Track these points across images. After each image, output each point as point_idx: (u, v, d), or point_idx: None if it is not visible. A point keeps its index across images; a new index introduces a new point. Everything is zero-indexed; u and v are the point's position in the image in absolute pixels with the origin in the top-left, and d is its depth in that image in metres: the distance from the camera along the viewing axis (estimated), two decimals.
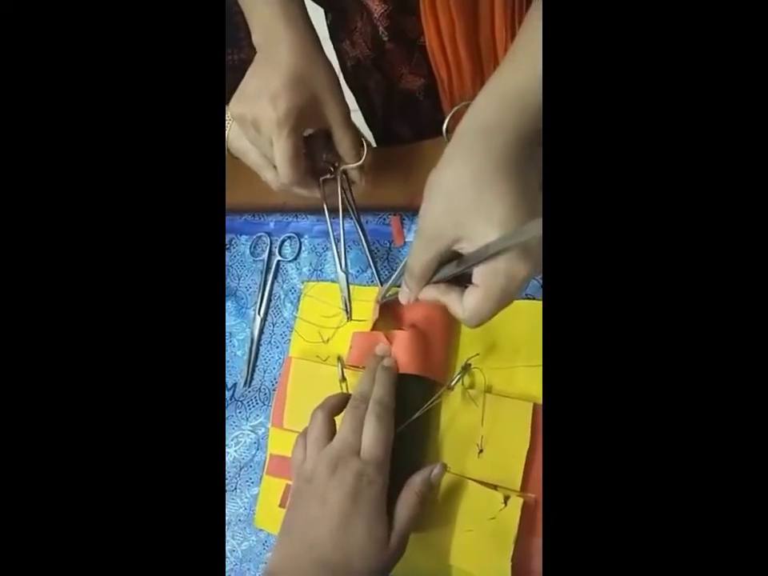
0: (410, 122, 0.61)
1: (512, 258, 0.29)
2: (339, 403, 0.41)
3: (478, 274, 0.31)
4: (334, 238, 0.46)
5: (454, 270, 0.32)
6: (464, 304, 0.32)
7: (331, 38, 0.58)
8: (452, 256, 0.33)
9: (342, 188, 0.45)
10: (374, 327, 0.46)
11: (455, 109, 0.41)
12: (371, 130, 0.70)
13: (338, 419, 0.41)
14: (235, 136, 0.44)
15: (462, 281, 0.33)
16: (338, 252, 0.46)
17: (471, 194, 0.30)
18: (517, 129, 0.30)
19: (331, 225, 0.46)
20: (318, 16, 0.57)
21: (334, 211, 0.46)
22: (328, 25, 0.56)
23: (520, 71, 0.31)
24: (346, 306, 0.47)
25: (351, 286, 0.50)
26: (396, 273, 0.41)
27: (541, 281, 0.44)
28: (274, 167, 0.44)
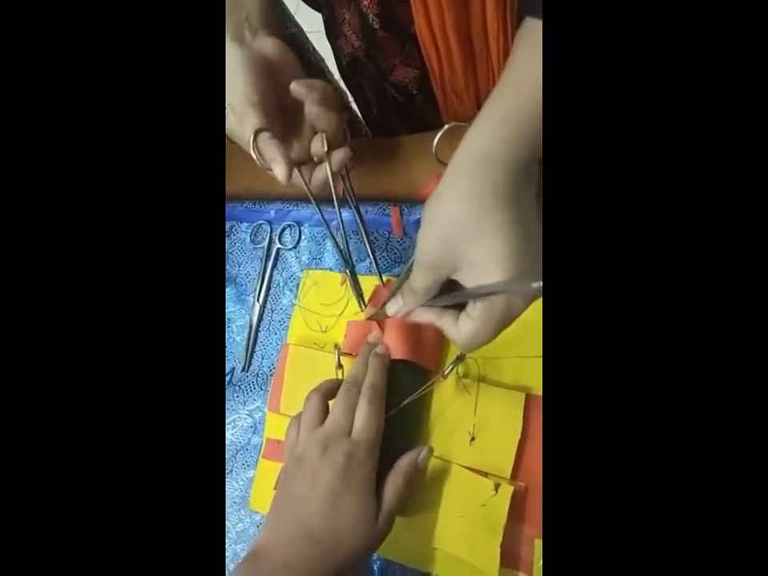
0: (404, 115, 0.60)
1: (510, 296, 0.29)
2: (334, 388, 0.42)
3: (475, 308, 0.31)
4: (343, 231, 0.46)
5: (451, 300, 0.32)
6: (460, 331, 0.32)
7: (328, 37, 0.58)
8: (452, 282, 0.32)
9: (341, 176, 0.45)
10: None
11: (445, 128, 0.40)
12: (367, 125, 0.70)
13: (333, 404, 0.41)
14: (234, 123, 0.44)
15: (456, 304, 0.33)
16: (340, 245, 0.46)
17: (469, 225, 0.29)
18: (515, 157, 0.29)
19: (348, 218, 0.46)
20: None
21: (330, 201, 0.46)
22: (324, 23, 0.57)
23: (517, 94, 0.30)
24: (359, 301, 0.47)
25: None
26: (400, 278, 0.41)
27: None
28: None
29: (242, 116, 0.39)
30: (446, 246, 0.30)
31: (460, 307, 0.33)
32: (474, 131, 0.31)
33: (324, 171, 0.43)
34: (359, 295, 0.47)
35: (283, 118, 0.42)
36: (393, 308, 0.37)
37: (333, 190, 0.43)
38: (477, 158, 0.30)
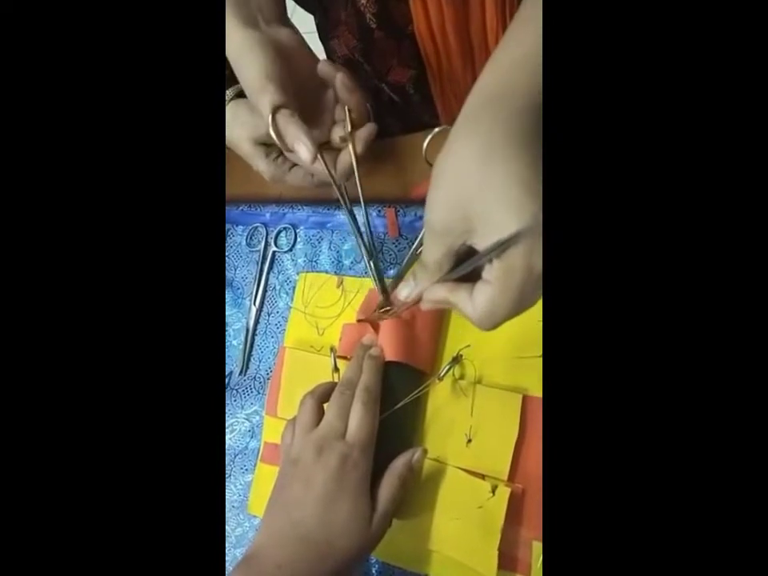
0: (401, 116, 0.60)
1: (529, 251, 0.26)
2: (328, 391, 0.42)
3: (491, 270, 0.27)
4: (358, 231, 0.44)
5: (467, 268, 0.29)
6: (475, 303, 0.29)
7: (321, 39, 0.58)
8: (466, 250, 0.29)
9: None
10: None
11: (435, 131, 0.38)
12: None
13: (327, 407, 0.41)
14: (227, 126, 0.45)
15: (471, 277, 0.29)
16: (363, 244, 0.44)
17: (479, 174, 0.26)
18: (524, 96, 0.27)
19: (353, 217, 0.44)
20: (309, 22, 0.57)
21: (336, 201, 0.45)
22: (317, 25, 0.56)
23: (523, 42, 0.29)
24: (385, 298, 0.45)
25: (344, 278, 0.51)
26: (401, 270, 0.40)
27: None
28: (265, 157, 0.44)
29: (259, 93, 0.36)
30: (455, 204, 0.27)
31: (476, 280, 0.29)
32: (482, 78, 0.29)
33: (348, 154, 0.40)
34: (383, 291, 0.45)
35: (301, 105, 0.39)
36: (404, 291, 0.34)
37: (356, 173, 0.41)
38: (483, 101, 0.28)
